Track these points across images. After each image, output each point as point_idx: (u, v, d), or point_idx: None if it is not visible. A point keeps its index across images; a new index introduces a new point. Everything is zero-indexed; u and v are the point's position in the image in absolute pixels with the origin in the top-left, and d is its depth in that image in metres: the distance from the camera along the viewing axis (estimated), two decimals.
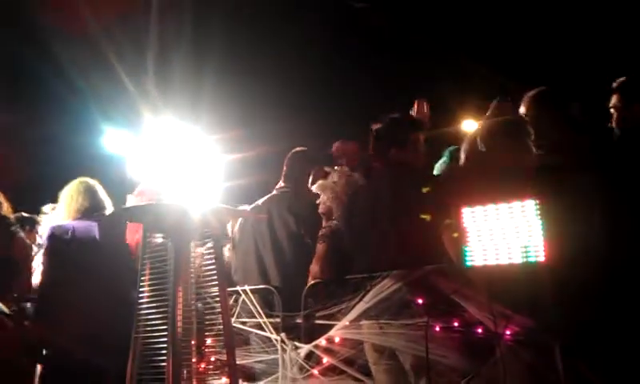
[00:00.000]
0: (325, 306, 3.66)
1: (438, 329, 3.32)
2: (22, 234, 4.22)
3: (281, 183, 4.61)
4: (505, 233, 2.89)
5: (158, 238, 3.19)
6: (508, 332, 3.15)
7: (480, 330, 3.25)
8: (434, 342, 3.27)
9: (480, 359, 3.27)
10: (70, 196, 4.26)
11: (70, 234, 4.10)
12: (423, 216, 3.56)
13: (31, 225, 4.95)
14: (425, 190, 3.59)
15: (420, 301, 3.38)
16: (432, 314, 3.30)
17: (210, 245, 3.31)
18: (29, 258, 4.14)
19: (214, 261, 3.27)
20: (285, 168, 4.64)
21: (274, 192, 4.60)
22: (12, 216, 4.27)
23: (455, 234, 3.61)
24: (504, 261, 2.92)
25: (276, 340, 3.85)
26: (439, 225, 3.58)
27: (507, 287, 3.02)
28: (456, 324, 3.31)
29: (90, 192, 4.27)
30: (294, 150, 4.69)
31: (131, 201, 4.19)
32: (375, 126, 3.90)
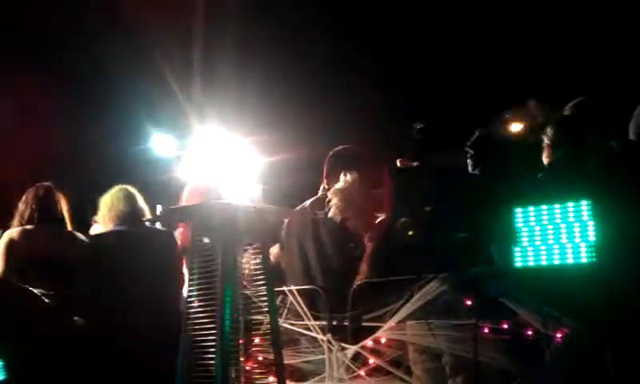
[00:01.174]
0: (371, 308, 3.65)
1: (486, 331, 3.29)
2: (82, 237, 4.33)
3: (324, 185, 4.61)
4: (556, 233, 2.85)
5: (206, 239, 3.23)
6: (558, 334, 3.10)
7: (529, 332, 3.22)
8: (482, 343, 3.25)
9: (529, 362, 3.23)
10: (110, 202, 4.33)
11: (112, 239, 4.18)
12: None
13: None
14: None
15: (468, 302, 3.36)
16: (480, 315, 3.27)
17: (256, 245, 3.35)
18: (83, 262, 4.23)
19: (261, 261, 3.30)
20: (325, 169, 4.64)
21: (319, 194, 4.61)
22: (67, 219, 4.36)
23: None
24: (555, 261, 2.87)
25: (322, 340, 3.86)
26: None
27: (558, 288, 2.98)
28: (505, 326, 3.28)
29: (129, 198, 4.33)
30: (333, 151, 4.68)
31: (180, 202, 4.28)
32: (419, 125, 3.88)
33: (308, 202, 4.57)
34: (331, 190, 4.31)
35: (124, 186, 4.37)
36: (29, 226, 4.13)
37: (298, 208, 4.59)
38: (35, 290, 3.74)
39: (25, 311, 3.22)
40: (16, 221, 4.20)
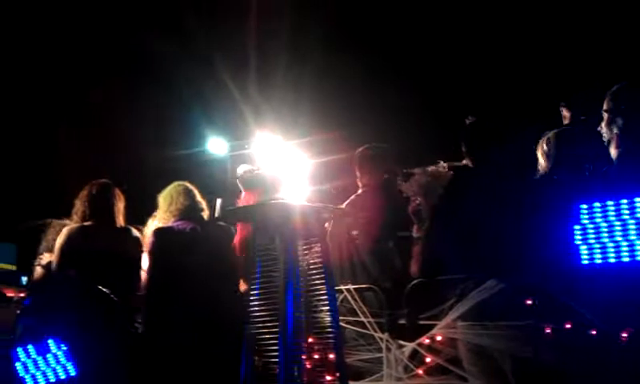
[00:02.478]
0: (428, 306, 3.64)
1: (548, 331, 3.24)
2: (137, 234, 4.42)
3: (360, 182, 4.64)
4: (625, 229, 2.80)
5: (268, 238, 3.27)
6: (624, 334, 3.04)
7: (593, 332, 3.15)
8: (543, 344, 3.20)
9: (593, 363, 3.17)
10: (169, 197, 4.42)
11: (172, 234, 4.26)
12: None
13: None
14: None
15: (528, 302, 3.31)
16: (541, 315, 3.22)
17: (316, 243, 3.37)
18: (141, 258, 4.31)
19: (320, 259, 3.33)
20: (361, 167, 4.64)
21: (360, 191, 4.62)
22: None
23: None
24: (622, 259, 2.82)
25: (380, 338, 3.87)
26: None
27: (625, 286, 2.92)
28: (568, 326, 3.22)
29: (187, 194, 4.42)
30: (366, 148, 4.67)
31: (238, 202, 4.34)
32: (471, 120, 3.84)
33: (349, 200, 4.59)
34: (408, 184, 4.29)
35: (182, 182, 4.46)
36: (86, 223, 4.24)
37: (344, 205, 4.60)
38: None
39: (90, 305, 3.29)
40: (74, 217, 4.32)
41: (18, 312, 2.93)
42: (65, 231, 4.22)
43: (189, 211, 4.30)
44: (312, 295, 3.39)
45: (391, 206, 4.35)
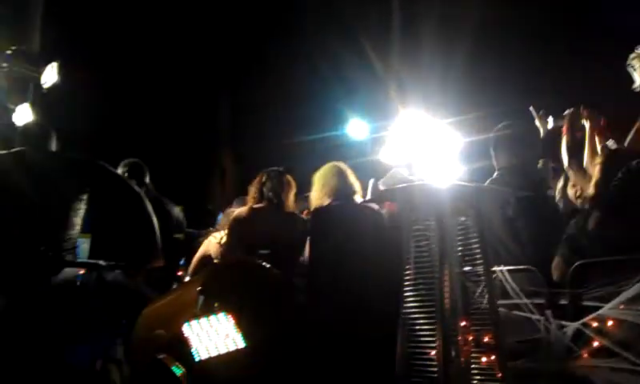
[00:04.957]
0: (596, 286, 3.47)
1: None
2: (303, 218, 4.61)
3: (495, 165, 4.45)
4: None
5: (422, 219, 3.25)
6: None
7: None
8: None
9: None
10: (323, 178, 4.54)
11: (329, 214, 4.37)
12: None
13: None
14: None
15: None
16: None
17: (472, 224, 3.31)
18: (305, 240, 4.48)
19: (477, 240, 3.26)
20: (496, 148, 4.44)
21: (495, 175, 4.45)
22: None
23: None
24: None
25: (538, 320, 3.74)
26: None
27: None
28: None
29: (342, 175, 4.51)
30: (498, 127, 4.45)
31: (385, 183, 4.35)
32: None
33: (487, 182, 4.43)
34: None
35: (336, 163, 4.57)
36: (257, 205, 4.49)
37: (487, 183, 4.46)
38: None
39: (264, 286, 3.45)
40: (247, 201, 4.61)
41: (199, 289, 3.13)
42: (236, 212, 4.49)
43: (342, 191, 4.40)
44: (466, 276, 3.35)
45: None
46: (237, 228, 4.41)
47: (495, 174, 4.36)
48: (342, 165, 4.61)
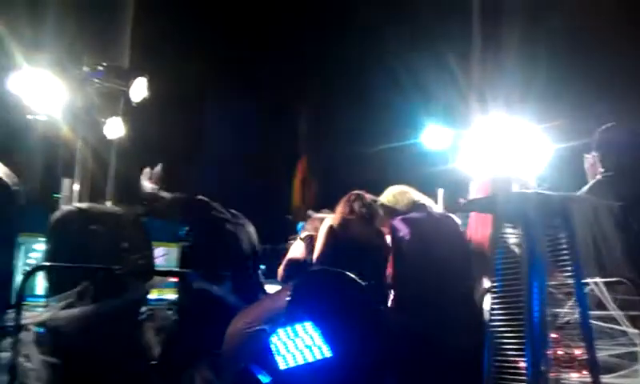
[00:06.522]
0: None
1: None
2: (383, 231, 4.61)
3: (600, 168, 4.26)
4: None
5: (510, 230, 3.20)
6: None
7: None
8: None
9: None
10: (393, 198, 4.56)
11: (410, 227, 4.34)
12: None
13: None
14: None
15: None
16: None
17: (560, 234, 3.23)
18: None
19: (568, 251, 3.18)
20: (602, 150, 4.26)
21: (597, 177, 4.28)
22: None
23: None
24: None
25: (634, 333, 3.60)
26: None
27: None
28: None
29: (412, 191, 4.53)
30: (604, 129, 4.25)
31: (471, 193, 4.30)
32: None
33: (585, 188, 4.28)
34: None
35: (398, 186, 4.58)
36: (349, 216, 4.53)
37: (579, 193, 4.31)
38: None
39: (351, 297, 3.46)
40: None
41: (288, 298, 3.19)
42: (327, 221, 4.55)
43: (416, 204, 4.39)
44: (556, 288, 3.27)
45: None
46: (329, 235, 4.45)
47: (599, 176, 4.20)
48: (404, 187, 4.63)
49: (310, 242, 4.60)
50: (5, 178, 3.98)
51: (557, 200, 3.18)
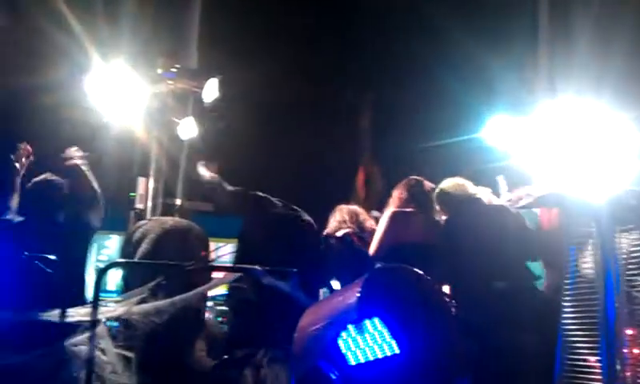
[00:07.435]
0: None
1: None
2: (442, 223, 4.59)
3: None
4: None
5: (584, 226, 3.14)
6: None
7: None
8: None
9: None
10: (457, 183, 4.53)
11: (472, 215, 4.31)
12: None
13: None
14: None
15: None
16: None
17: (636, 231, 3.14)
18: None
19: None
20: None
21: None
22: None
23: None
24: None
25: None
26: None
27: None
28: None
29: (468, 183, 4.49)
30: None
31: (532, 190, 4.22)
32: None
33: None
34: None
35: (451, 179, 4.54)
36: (407, 209, 4.54)
37: None
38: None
39: (418, 292, 3.45)
40: (391, 204, 4.66)
41: (357, 294, 3.21)
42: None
43: (472, 197, 4.38)
44: (631, 285, 3.18)
45: None
46: (392, 227, 4.45)
47: None
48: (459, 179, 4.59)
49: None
50: (93, 184, 4.25)
51: (631, 196, 3.09)
